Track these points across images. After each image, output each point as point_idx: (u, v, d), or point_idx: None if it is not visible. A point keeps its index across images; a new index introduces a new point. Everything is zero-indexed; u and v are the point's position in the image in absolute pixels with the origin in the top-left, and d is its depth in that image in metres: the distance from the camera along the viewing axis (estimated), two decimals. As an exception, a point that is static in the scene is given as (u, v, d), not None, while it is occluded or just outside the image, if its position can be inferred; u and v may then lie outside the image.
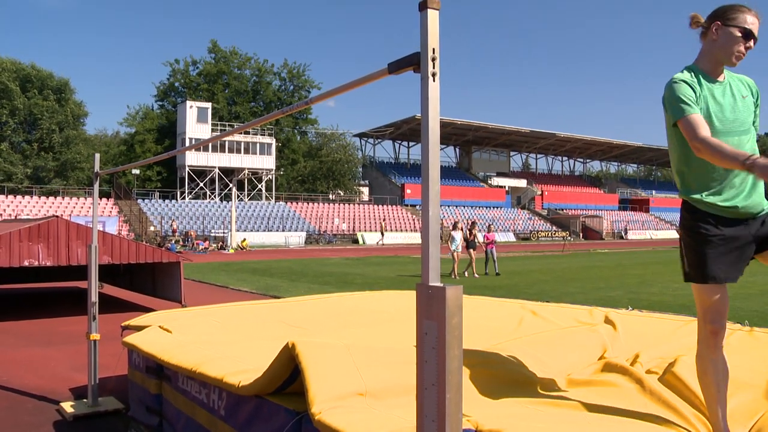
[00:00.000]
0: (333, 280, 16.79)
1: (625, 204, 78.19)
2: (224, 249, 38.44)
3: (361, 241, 49.52)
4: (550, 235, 60.55)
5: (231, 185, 53.28)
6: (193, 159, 53.65)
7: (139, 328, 4.72)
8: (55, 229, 9.42)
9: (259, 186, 57.74)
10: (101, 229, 19.02)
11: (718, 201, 2.67)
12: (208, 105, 56.35)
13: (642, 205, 77.61)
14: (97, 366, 5.16)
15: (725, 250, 2.65)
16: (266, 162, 57.20)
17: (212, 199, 54.35)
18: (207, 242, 39.55)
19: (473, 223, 19.54)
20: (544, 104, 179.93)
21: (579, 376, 3.36)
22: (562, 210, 70.57)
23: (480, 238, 19.20)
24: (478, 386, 3.01)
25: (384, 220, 52.93)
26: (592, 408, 2.81)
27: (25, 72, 53.50)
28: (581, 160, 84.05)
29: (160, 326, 4.59)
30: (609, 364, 3.46)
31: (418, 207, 57.63)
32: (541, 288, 14.46)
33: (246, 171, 56.11)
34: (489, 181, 70.90)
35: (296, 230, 48.82)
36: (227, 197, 52.87)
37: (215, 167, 54.75)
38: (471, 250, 18.35)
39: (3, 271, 10.49)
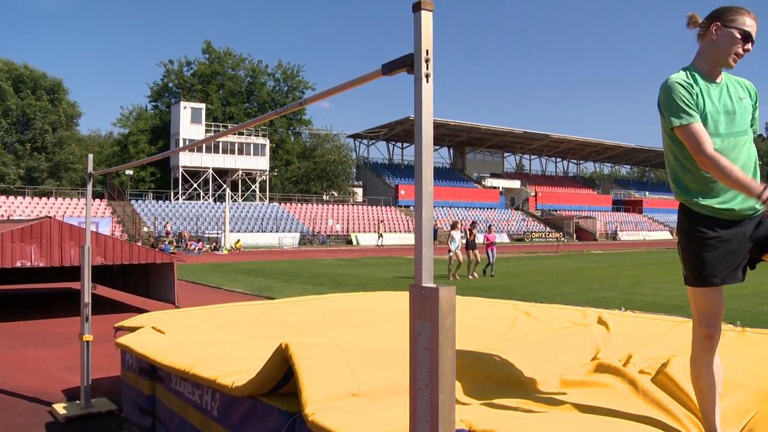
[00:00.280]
0: (327, 281, 16.78)
1: (619, 205, 78.44)
2: (218, 250, 38.35)
3: (355, 242, 49.51)
4: (543, 236, 60.67)
5: (225, 186, 53.19)
6: (187, 160, 53.56)
7: (132, 329, 4.71)
8: (48, 230, 9.39)
9: (253, 187, 57.65)
10: (94, 229, 18.96)
11: (715, 204, 2.65)
12: (202, 106, 56.26)
13: (635, 206, 77.86)
14: (90, 367, 5.14)
15: (723, 252, 2.64)
16: (260, 163, 57.14)
17: (206, 199, 54.25)
18: (201, 243, 39.46)
19: (473, 223, 19.14)
20: (538, 105, 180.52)
21: (572, 377, 3.37)
22: (556, 211, 70.72)
23: (480, 238, 18.95)
24: (471, 387, 3.02)
25: (382, 221, 52.86)
26: (585, 408, 2.82)
27: (18, 72, 53.30)
28: (575, 161, 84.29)
29: (153, 327, 4.58)
30: (602, 364, 3.47)
31: (412, 208, 57.68)
32: (534, 289, 14.48)
33: (240, 172, 56.04)
34: (483, 182, 70.99)
35: (290, 231, 48.77)
36: (221, 198, 52.78)
37: (209, 168, 54.66)
38: (471, 251, 17.97)
39: (-5, 272, 10.44)
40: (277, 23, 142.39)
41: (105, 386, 5.53)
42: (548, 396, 3.05)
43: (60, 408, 5.02)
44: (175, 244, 38.45)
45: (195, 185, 54.70)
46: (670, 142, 2.74)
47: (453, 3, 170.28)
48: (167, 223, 43.38)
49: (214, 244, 40.56)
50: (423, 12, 1.66)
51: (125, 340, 4.42)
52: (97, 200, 46.07)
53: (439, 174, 67.15)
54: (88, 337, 5.17)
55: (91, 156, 5.50)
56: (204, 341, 4.17)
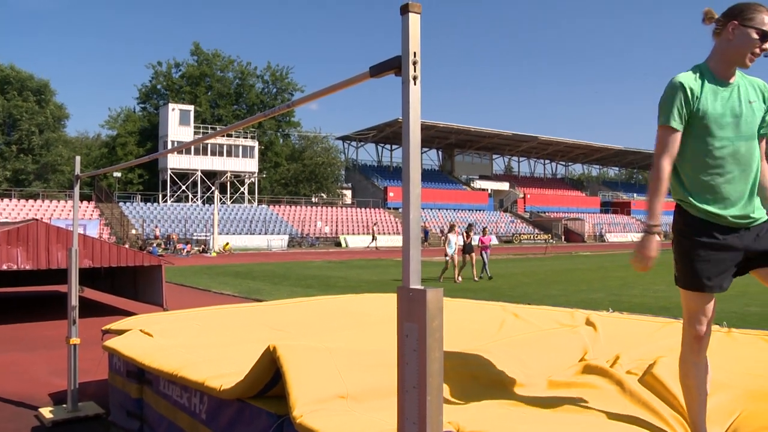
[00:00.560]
0: (316, 283, 16.76)
1: (607, 207, 78.86)
2: (206, 252, 38.19)
3: (343, 244, 49.44)
4: (532, 237, 60.83)
5: (213, 188, 52.96)
6: (176, 162, 53.34)
7: (119, 332, 4.69)
8: (34, 233, 9.31)
9: (242, 189, 57.52)
10: (82, 232, 18.82)
11: (711, 209, 2.62)
12: (191, 108, 56.08)
13: (623, 208, 78.28)
14: (77, 370, 5.11)
15: (715, 258, 2.61)
16: (249, 165, 57.02)
17: (194, 202, 54.02)
18: (189, 245, 39.27)
19: (470, 225, 19.11)
20: (527, 108, 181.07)
21: (560, 378, 3.39)
22: (545, 213, 70.98)
23: (475, 241, 18.86)
24: (459, 388, 3.02)
25: (375, 224, 52.69)
26: (572, 409, 2.84)
27: (4, 73, 52.93)
28: (563, 163, 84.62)
29: (141, 330, 4.56)
30: (589, 365, 3.49)
31: (401, 210, 57.68)
32: (523, 290, 14.52)
33: (228, 174, 55.85)
34: (471, 184, 71.13)
35: (279, 233, 48.65)
36: (209, 200, 52.56)
37: (197, 170, 54.47)
38: (467, 255, 17.91)
39: (-19, 274, 10.35)
40: (266, 25, 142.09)
41: (92, 390, 5.50)
42: (536, 397, 3.06)
43: (46, 412, 4.98)
44: (163, 246, 38.25)
45: (183, 187, 54.49)
46: None
47: (441, 5, 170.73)
48: (157, 228, 43.12)
49: (203, 246, 40.39)
50: (411, 14, 1.67)
51: (113, 343, 4.39)
52: (85, 202, 45.72)
53: (428, 176, 67.26)
54: (75, 340, 5.13)
55: (78, 158, 5.46)
56: (192, 344, 4.16)
